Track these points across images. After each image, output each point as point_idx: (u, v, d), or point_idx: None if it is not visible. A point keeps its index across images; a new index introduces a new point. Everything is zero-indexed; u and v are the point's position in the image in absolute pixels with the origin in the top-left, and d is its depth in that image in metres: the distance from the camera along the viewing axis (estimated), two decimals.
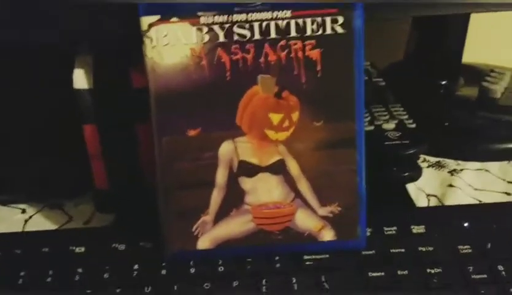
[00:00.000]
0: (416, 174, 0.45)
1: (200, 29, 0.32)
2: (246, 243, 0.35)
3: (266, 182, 0.35)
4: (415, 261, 0.36)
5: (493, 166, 0.51)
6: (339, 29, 0.32)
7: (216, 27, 0.32)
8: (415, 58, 0.60)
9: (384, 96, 0.50)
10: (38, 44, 0.38)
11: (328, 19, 0.32)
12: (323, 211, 0.35)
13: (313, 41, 0.32)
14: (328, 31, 0.32)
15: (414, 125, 0.45)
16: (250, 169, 0.34)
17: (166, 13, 0.32)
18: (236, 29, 0.32)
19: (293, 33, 0.32)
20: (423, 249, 0.37)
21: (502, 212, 0.41)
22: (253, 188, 0.35)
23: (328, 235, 0.35)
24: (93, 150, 0.39)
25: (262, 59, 0.33)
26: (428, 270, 0.35)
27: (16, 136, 0.46)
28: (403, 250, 0.36)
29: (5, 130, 0.45)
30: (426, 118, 0.48)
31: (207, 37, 0.32)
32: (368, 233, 0.38)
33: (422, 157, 0.51)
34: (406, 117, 0.46)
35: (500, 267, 0.35)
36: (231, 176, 0.34)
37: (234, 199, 0.35)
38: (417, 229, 0.38)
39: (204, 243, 0.35)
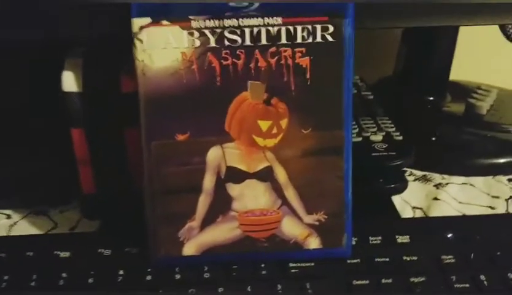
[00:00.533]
0: (402, 186, 0.45)
1: (191, 33, 0.32)
2: (232, 249, 0.35)
3: (253, 188, 0.35)
4: (399, 270, 0.36)
5: (478, 180, 0.52)
6: (329, 38, 0.33)
7: (207, 32, 0.32)
8: (404, 73, 0.62)
9: (372, 109, 0.51)
10: (27, 44, 0.38)
11: (318, 27, 0.32)
12: (309, 218, 0.35)
13: (303, 49, 0.33)
14: (318, 38, 0.33)
15: (400, 137, 0.46)
16: (237, 176, 0.35)
17: (158, 16, 0.32)
18: (227, 34, 0.32)
19: (283, 40, 0.33)
20: (408, 258, 0.37)
21: (485, 224, 0.41)
22: (240, 195, 0.35)
23: (313, 243, 0.36)
24: (81, 155, 0.40)
25: (252, 65, 0.33)
26: (412, 279, 0.36)
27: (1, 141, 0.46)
28: (387, 259, 0.37)
29: None
30: (414, 133, 0.49)
31: (198, 42, 0.32)
32: (353, 242, 0.38)
33: (409, 170, 0.52)
34: (393, 129, 0.47)
35: (482, 277, 0.35)
36: (218, 181, 0.35)
37: (221, 205, 0.35)
38: (402, 239, 0.39)
39: (189, 249, 0.36)
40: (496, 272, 0.36)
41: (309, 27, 0.32)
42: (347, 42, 0.33)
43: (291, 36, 0.32)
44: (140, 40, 0.32)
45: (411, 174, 0.52)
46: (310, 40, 0.33)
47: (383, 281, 0.36)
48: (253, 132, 0.34)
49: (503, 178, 0.52)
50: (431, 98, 0.60)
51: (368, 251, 0.38)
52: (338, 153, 0.34)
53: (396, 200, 0.48)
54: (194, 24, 0.32)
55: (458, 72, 0.62)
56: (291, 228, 0.36)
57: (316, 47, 0.33)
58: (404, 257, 0.37)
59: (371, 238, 0.39)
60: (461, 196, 0.49)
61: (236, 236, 0.35)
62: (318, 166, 0.35)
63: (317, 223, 0.35)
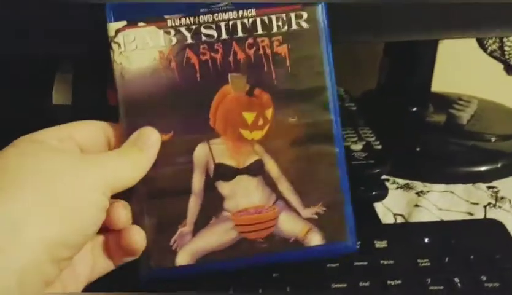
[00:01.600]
0: (382, 193, 0.47)
1: (167, 32, 0.33)
2: (229, 254, 0.33)
3: (245, 185, 0.34)
4: (377, 273, 0.37)
5: (458, 188, 0.53)
6: (304, 24, 0.33)
7: (183, 29, 0.33)
8: (387, 85, 0.63)
9: (355, 120, 0.53)
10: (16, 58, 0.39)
11: (292, 15, 0.33)
12: (308, 212, 0.34)
13: (280, 37, 0.33)
14: (294, 26, 0.33)
15: (380, 147, 0.47)
16: (227, 172, 0.34)
17: (133, 18, 0.33)
18: (203, 30, 0.33)
19: (259, 31, 0.33)
20: (385, 262, 0.38)
21: (461, 228, 0.43)
22: (232, 193, 0.34)
23: (315, 239, 0.34)
24: None
25: (231, 58, 0.33)
26: (389, 282, 0.37)
27: None
28: (365, 263, 0.38)
29: None
30: (397, 143, 0.51)
31: (174, 40, 0.33)
32: None
33: (392, 179, 0.54)
34: (374, 139, 0.48)
35: (456, 279, 0.37)
36: (207, 181, 0.33)
37: (212, 206, 0.33)
38: (380, 244, 0.40)
39: (183, 258, 0.33)
40: (470, 275, 0.37)
41: (284, 16, 0.33)
42: (322, 27, 0.33)
43: (266, 26, 0.33)
44: (117, 44, 0.33)
45: (394, 182, 0.54)
46: (286, 28, 0.33)
47: (361, 284, 0.36)
48: (238, 125, 0.33)
49: (483, 185, 0.53)
50: (414, 109, 0.62)
51: (346, 255, 0.39)
52: (328, 140, 0.34)
53: (379, 207, 0.49)
54: (169, 22, 0.33)
55: (439, 84, 0.64)
56: (289, 224, 0.34)
57: (292, 35, 0.33)
58: (382, 261, 0.38)
59: None
60: (441, 203, 0.51)
61: (232, 239, 0.34)
62: (309, 156, 0.34)
63: (315, 216, 0.34)
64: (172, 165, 0.33)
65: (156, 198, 0.33)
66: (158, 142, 0.33)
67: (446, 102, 0.63)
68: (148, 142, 0.32)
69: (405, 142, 0.57)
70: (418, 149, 0.57)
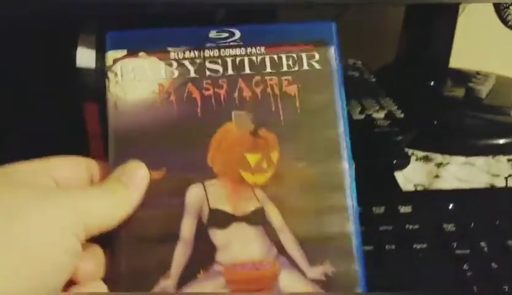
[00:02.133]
0: (404, 162, 0.47)
1: (169, 64, 0.31)
2: None
3: (242, 234, 0.30)
4: (402, 237, 0.37)
5: (478, 160, 0.53)
6: (316, 65, 0.32)
7: (187, 63, 0.31)
8: (406, 59, 0.63)
9: (375, 91, 0.52)
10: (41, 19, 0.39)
11: (304, 56, 0.32)
12: (314, 272, 0.29)
13: (289, 77, 0.31)
14: (305, 66, 0.31)
15: (402, 115, 0.47)
16: (222, 219, 0.30)
17: (134, 47, 0.31)
18: (208, 64, 0.31)
19: (268, 69, 0.31)
20: (410, 227, 0.38)
21: (485, 197, 0.43)
22: (227, 243, 0.29)
23: None
24: (93, 129, 0.41)
25: (236, 95, 0.31)
26: (415, 246, 0.36)
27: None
28: (390, 227, 0.38)
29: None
30: (415, 116, 0.50)
31: (176, 73, 0.31)
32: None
33: (411, 151, 0.53)
34: (396, 108, 0.48)
35: (483, 244, 0.36)
36: (199, 227, 0.29)
37: (202, 257, 0.29)
38: (404, 209, 0.40)
39: None
40: (496, 240, 0.38)
41: (294, 55, 0.32)
42: (335, 69, 0.32)
43: (276, 65, 0.31)
44: (114, 73, 0.31)
45: (412, 154, 0.53)
46: (296, 68, 0.31)
47: (387, 247, 0.36)
48: (240, 167, 0.30)
49: (503, 158, 0.53)
50: (432, 83, 0.61)
51: (371, 220, 0.39)
52: (340, 191, 0.30)
53: (399, 177, 0.49)
54: (173, 55, 0.31)
55: (456, 61, 0.63)
56: (292, 285, 0.29)
57: (303, 75, 0.31)
58: (407, 226, 0.38)
59: (374, 208, 0.40)
60: (461, 174, 0.51)
61: None
62: (318, 207, 0.30)
63: (323, 278, 0.29)
64: (160, 206, 0.29)
65: (137, 243, 0.29)
66: (146, 178, 0.29)
67: (463, 77, 0.63)
68: (134, 178, 0.29)
69: (423, 115, 0.56)
70: (436, 122, 0.56)
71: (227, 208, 0.30)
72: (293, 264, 0.29)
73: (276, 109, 0.31)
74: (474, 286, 0.35)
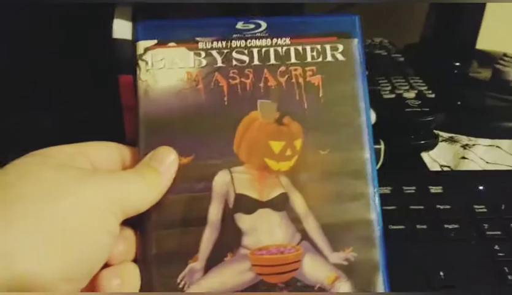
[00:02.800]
0: (432, 143, 0.47)
1: (198, 54, 0.32)
2: None
3: (267, 220, 0.31)
4: (433, 217, 0.38)
5: (504, 142, 0.53)
6: (340, 57, 0.32)
7: (214, 52, 0.32)
8: (432, 39, 0.62)
9: (404, 70, 0.52)
10: None
11: (328, 47, 0.32)
12: (336, 257, 0.30)
13: (313, 67, 0.32)
14: (329, 58, 0.32)
15: (433, 95, 0.46)
16: (248, 205, 0.31)
17: (164, 38, 0.32)
18: (234, 54, 0.32)
19: (293, 59, 0.32)
20: (441, 207, 0.38)
21: None
22: (252, 228, 0.30)
23: (343, 288, 0.30)
24: (128, 101, 0.41)
25: (261, 84, 0.31)
26: (446, 226, 0.37)
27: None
28: (421, 207, 0.38)
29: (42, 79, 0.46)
30: (440, 96, 0.50)
31: (204, 62, 0.32)
32: (388, 191, 0.39)
33: (436, 132, 0.53)
34: (426, 88, 0.47)
35: None
36: (226, 212, 0.30)
37: (229, 241, 0.30)
38: (435, 189, 0.40)
39: None
40: None
41: (318, 47, 0.32)
42: (358, 60, 0.32)
43: (300, 56, 0.32)
44: (145, 61, 0.32)
45: (438, 135, 0.53)
46: (320, 59, 0.32)
47: (418, 226, 0.37)
48: (264, 154, 0.31)
49: None
50: (458, 64, 0.61)
51: (402, 199, 0.39)
52: (362, 178, 0.31)
53: (426, 158, 0.49)
54: (201, 45, 0.32)
55: (483, 42, 0.63)
56: (314, 269, 0.30)
57: (327, 66, 0.32)
58: (438, 206, 0.38)
59: (405, 188, 0.40)
60: (488, 156, 0.51)
61: (248, 281, 0.30)
62: (341, 193, 0.31)
63: (345, 262, 0.30)
64: (189, 191, 0.30)
65: (167, 228, 0.30)
66: (175, 163, 0.30)
67: (490, 58, 0.62)
68: (164, 163, 0.30)
69: (449, 96, 0.56)
70: (461, 103, 0.56)
71: (252, 193, 0.30)
72: (316, 249, 0.30)
73: (300, 99, 0.31)
74: (505, 267, 0.35)
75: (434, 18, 0.63)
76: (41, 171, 0.26)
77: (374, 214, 0.30)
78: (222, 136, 0.31)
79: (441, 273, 0.35)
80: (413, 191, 0.41)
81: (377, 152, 0.42)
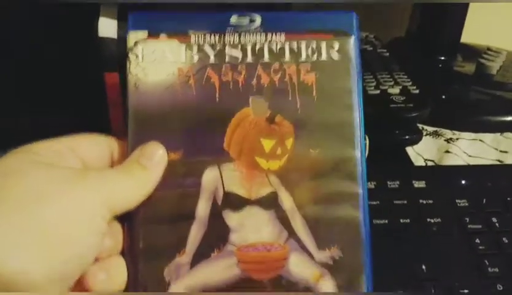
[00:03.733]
0: (417, 137, 0.47)
1: (190, 48, 0.31)
2: (231, 293, 0.30)
3: (255, 218, 0.31)
4: (416, 212, 0.38)
5: (487, 136, 0.54)
6: (335, 55, 0.32)
7: (207, 47, 0.31)
8: (417, 34, 0.63)
9: (389, 65, 0.52)
10: None
11: (323, 45, 0.32)
12: (322, 255, 0.30)
13: (308, 65, 0.31)
14: (324, 56, 0.32)
15: (417, 91, 0.47)
16: (236, 202, 0.31)
17: (155, 28, 0.31)
18: (227, 50, 0.31)
19: (287, 57, 0.32)
20: (424, 201, 0.39)
21: (496, 173, 0.44)
22: (240, 225, 0.30)
23: (327, 286, 0.30)
24: (114, 99, 0.41)
25: (254, 82, 0.31)
26: (429, 220, 0.37)
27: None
28: (405, 202, 0.39)
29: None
30: (425, 91, 0.51)
31: (196, 57, 0.31)
32: (372, 186, 0.40)
33: (421, 126, 0.54)
34: (410, 83, 0.48)
35: (494, 219, 0.37)
36: (214, 209, 0.30)
37: (216, 237, 0.30)
38: (418, 184, 0.41)
39: (177, 290, 0.30)
40: (508, 216, 0.38)
41: (314, 44, 0.32)
42: (354, 59, 0.32)
43: (295, 53, 0.32)
44: (135, 55, 0.31)
45: (422, 129, 0.54)
46: (315, 57, 0.32)
47: (401, 221, 0.37)
48: (255, 152, 0.31)
49: (511, 135, 0.53)
50: (443, 58, 0.61)
51: (386, 194, 0.39)
52: (352, 179, 0.31)
53: (410, 152, 0.49)
54: (193, 39, 0.31)
55: (468, 37, 0.63)
56: (300, 267, 0.30)
57: (321, 65, 0.32)
58: (421, 201, 0.39)
59: (389, 183, 0.40)
60: (471, 150, 0.51)
61: (234, 277, 0.30)
62: (329, 193, 0.31)
63: (330, 261, 0.30)
64: (178, 187, 0.30)
65: (155, 223, 0.30)
66: (164, 159, 0.30)
67: (474, 52, 0.63)
68: (153, 159, 0.29)
69: (433, 90, 0.57)
70: (445, 97, 0.57)
71: (241, 191, 0.31)
72: (303, 247, 0.30)
73: (293, 97, 0.31)
74: (485, 260, 0.36)
75: (419, 13, 0.63)
76: (28, 170, 0.26)
77: (361, 214, 0.31)
78: (213, 132, 0.31)
79: (423, 266, 0.36)
80: (397, 186, 0.41)
81: None
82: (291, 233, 0.30)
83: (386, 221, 0.38)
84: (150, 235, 0.30)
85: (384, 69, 0.52)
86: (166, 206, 0.30)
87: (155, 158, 0.29)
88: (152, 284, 0.30)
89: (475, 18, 0.63)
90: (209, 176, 0.30)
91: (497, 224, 0.38)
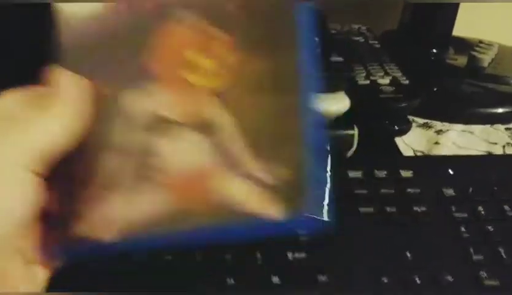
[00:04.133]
0: (406, 127, 0.47)
1: None
2: (165, 229, 0.26)
3: (189, 142, 0.27)
4: (403, 200, 0.38)
5: (477, 128, 0.54)
6: None
7: None
8: (409, 26, 0.63)
9: (379, 57, 0.52)
10: None
11: None
12: (265, 177, 0.26)
13: None
14: None
15: (407, 82, 0.47)
16: (167, 126, 0.27)
17: None
18: None
19: None
20: (411, 190, 0.39)
21: (484, 163, 0.44)
22: (172, 152, 0.27)
23: (273, 211, 0.26)
24: None
25: None
26: (415, 208, 0.38)
27: None
28: (392, 191, 0.39)
29: None
30: (415, 83, 0.51)
31: None
32: (360, 176, 0.40)
33: (411, 117, 0.54)
34: (400, 74, 0.48)
35: (480, 208, 0.38)
36: (143, 136, 0.27)
37: (147, 167, 0.27)
38: (405, 173, 0.41)
39: (107, 231, 0.26)
40: (493, 205, 0.39)
41: None
42: None
43: None
44: None
45: (413, 121, 0.54)
46: None
47: (388, 209, 0.37)
48: (188, 69, 0.27)
49: (501, 126, 0.54)
50: (435, 51, 0.61)
51: (373, 183, 0.40)
52: (296, 93, 0.27)
53: (399, 143, 0.50)
54: None
55: (460, 29, 0.63)
56: (242, 192, 0.26)
57: None
58: (408, 189, 0.39)
59: (376, 172, 0.41)
60: (460, 141, 0.52)
61: (168, 209, 0.26)
62: (271, 111, 0.27)
63: (275, 182, 0.26)
64: (103, 118, 0.27)
65: (82, 157, 0.27)
66: (79, 87, 0.27)
67: (466, 45, 0.63)
68: (67, 90, 0.26)
69: (425, 82, 0.57)
70: (437, 89, 0.57)
71: (172, 114, 0.27)
72: (243, 170, 0.26)
73: (233, 8, 0.28)
74: (471, 248, 0.36)
75: (412, 6, 0.63)
76: None
77: (305, 125, 0.26)
78: (136, 52, 0.27)
79: (408, 254, 0.36)
80: (384, 175, 0.41)
81: (350, 138, 0.43)
82: (231, 157, 0.27)
83: (372, 210, 0.38)
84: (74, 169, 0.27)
85: (374, 60, 0.52)
86: (92, 140, 0.27)
87: (68, 88, 0.26)
88: (79, 222, 0.26)
89: (467, 11, 0.63)
90: (137, 102, 0.27)
91: (483, 212, 0.38)
